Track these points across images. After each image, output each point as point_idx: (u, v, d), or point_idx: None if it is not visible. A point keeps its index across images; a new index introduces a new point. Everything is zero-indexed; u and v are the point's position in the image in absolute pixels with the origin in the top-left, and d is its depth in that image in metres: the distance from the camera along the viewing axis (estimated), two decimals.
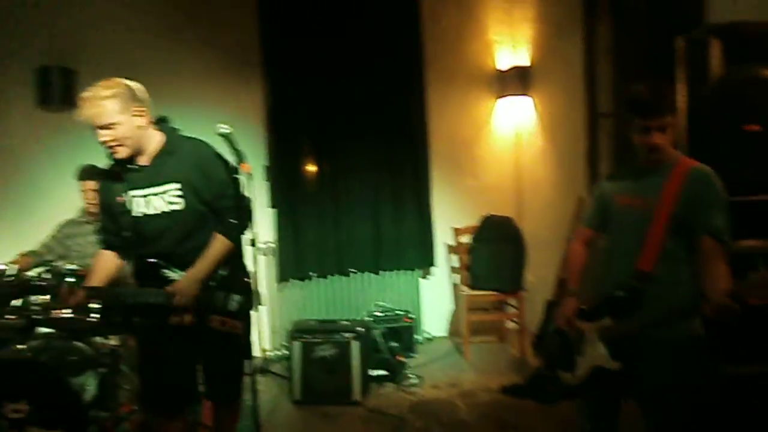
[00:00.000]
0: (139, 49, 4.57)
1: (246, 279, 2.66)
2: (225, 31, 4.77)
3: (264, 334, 4.63)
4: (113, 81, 2.39)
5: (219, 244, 2.50)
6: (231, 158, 2.46)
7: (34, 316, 3.22)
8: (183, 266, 2.49)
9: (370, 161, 4.94)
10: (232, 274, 2.56)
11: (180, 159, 2.47)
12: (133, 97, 2.40)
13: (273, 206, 4.83)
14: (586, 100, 4.16)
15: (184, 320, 2.46)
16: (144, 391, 2.69)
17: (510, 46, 5.12)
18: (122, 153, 2.41)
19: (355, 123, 4.89)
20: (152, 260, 2.50)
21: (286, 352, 4.13)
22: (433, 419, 3.65)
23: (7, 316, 3.14)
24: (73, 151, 4.10)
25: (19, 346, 3.20)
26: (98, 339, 3.29)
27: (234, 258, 2.58)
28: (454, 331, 5.20)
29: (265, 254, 4.81)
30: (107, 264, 2.61)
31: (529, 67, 4.95)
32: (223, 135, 2.40)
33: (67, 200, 3.89)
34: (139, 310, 2.58)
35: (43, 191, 4.43)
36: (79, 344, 3.25)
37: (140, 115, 2.41)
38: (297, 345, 3.89)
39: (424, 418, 3.67)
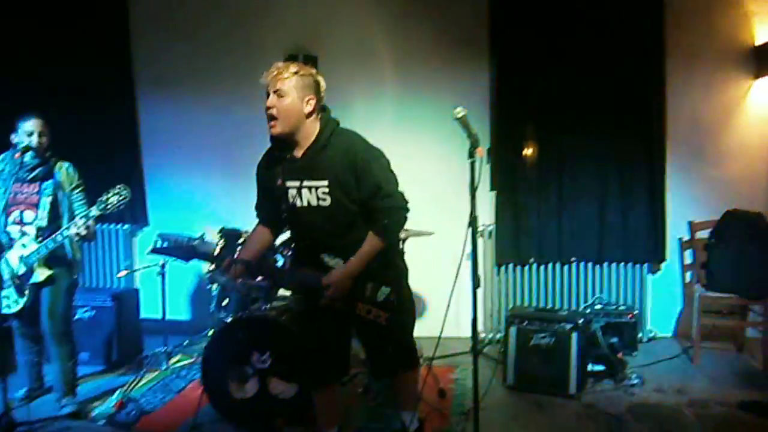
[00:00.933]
0: (373, 37, 4.85)
1: (397, 272, 2.70)
2: (454, 17, 4.82)
3: (479, 316, 4.65)
4: (307, 66, 2.55)
5: (373, 242, 2.54)
6: (466, 142, 2.44)
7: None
8: (342, 255, 2.57)
9: (598, 146, 4.67)
10: (384, 266, 2.60)
11: (332, 156, 2.52)
12: (313, 86, 2.53)
13: (493, 189, 4.81)
14: None
15: (333, 304, 2.56)
16: (305, 364, 2.86)
17: None
18: (277, 128, 2.50)
19: (584, 105, 4.63)
20: (310, 244, 2.62)
21: (500, 335, 4.11)
22: (656, 425, 3.41)
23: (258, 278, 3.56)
24: None
25: (264, 306, 3.62)
26: None
27: (387, 250, 2.62)
28: (682, 332, 4.79)
29: (484, 236, 4.83)
30: (261, 238, 2.81)
31: None
32: (458, 119, 2.40)
33: None
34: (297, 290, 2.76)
35: None
36: None
37: (309, 104, 2.51)
38: (513, 330, 3.85)
39: (646, 422, 3.44)
